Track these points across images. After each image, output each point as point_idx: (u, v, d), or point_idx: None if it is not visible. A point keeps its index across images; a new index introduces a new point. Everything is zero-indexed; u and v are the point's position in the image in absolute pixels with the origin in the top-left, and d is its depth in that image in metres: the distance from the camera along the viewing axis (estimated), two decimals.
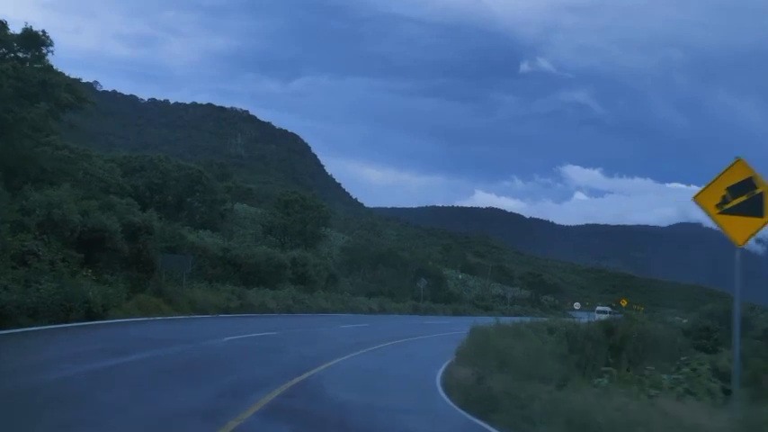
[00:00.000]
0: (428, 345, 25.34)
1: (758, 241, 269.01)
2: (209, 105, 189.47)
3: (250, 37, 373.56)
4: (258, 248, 39.30)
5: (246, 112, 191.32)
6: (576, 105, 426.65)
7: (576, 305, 64.97)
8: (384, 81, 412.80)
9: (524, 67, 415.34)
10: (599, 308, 69.70)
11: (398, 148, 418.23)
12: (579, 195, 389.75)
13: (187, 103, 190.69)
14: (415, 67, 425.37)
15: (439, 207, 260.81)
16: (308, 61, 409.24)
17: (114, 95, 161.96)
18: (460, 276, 78.35)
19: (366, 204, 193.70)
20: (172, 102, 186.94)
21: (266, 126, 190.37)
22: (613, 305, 71.72)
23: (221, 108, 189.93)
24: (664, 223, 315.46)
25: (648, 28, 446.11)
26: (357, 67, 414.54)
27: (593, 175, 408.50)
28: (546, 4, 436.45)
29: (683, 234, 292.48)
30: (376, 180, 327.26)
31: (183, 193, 53.22)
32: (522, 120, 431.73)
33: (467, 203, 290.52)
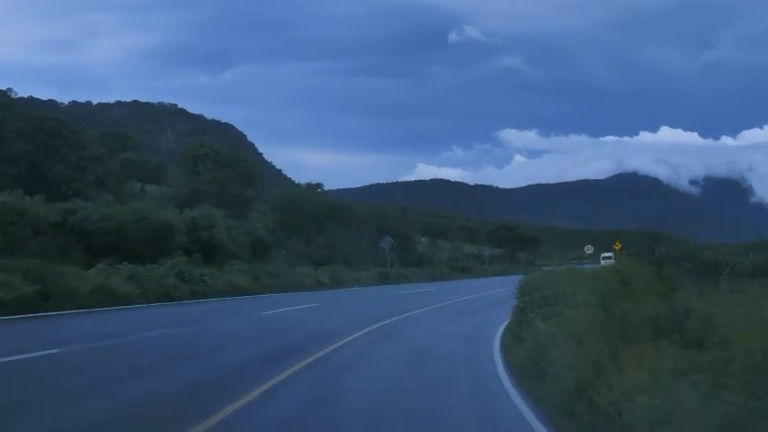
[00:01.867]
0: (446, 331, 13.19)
1: (692, 182, 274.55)
2: (135, 102, 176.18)
3: (176, 31, 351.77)
4: (127, 207, 24.07)
5: (175, 105, 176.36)
6: (509, 70, 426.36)
7: (589, 248, 56.90)
8: (319, 64, 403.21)
9: (453, 36, 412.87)
10: (604, 254, 66.70)
11: (339, 130, 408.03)
12: (519, 158, 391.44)
13: (111, 102, 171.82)
14: (348, 47, 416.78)
15: (383, 184, 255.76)
16: (240, 50, 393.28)
17: (31, 101, 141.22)
18: (423, 240, 65.10)
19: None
20: (95, 103, 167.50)
21: (197, 118, 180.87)
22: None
23: (148, 104, 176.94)
24: (602, 176, 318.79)
25: None
26: (290, 51, 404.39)
27: (530, 137, 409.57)
28: None
29: (620, 184, 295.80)
30: (319, 164, 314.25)
31: (32, 153, 36.68)
32: (456, 89, 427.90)
33: (411, 178, 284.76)
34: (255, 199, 44.56)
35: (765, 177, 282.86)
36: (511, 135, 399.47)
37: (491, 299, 25.33)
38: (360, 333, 11.89)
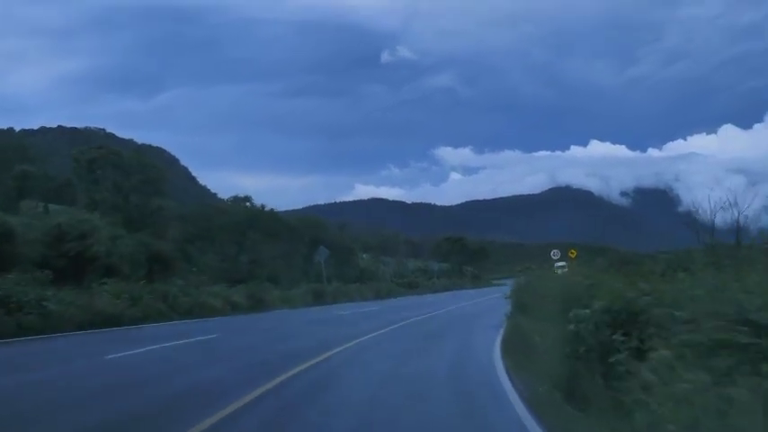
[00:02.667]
0: None
1: (623, 194, 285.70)
2: (60, 128, 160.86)
3: (103, 56, 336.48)
4: None
5: (103, 130, 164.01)
6: (442, 88, 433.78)
7: (555, 253, 54.68)
8: (251, 85, 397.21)
9: (385, 56, 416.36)
10: (558, 263, 67.37)
11: (274, 152, 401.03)
12: (455, 175, 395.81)
13: (35, 128, 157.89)
14: (281, 68, 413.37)
15: (321, 205, 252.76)
16: (169, 74, 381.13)
17: None
18: (365, 256, 59.16)
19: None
20: (17, 129, 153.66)
21: (127, 143, 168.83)
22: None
23: (74, 129, 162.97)
24: (536, 190, 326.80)
25: (503, 6, 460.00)
26: (221, 74, 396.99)
27: (465, 154, 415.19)
28: None
29: (554, 198, 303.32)
30: (255, 186, 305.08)
31: None
32: (391, 109, 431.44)
33: (349, 198, 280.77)
34: (165, 209, 37.31)
35: (691, 187, 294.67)
36: (446, 153, 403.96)
37: (455, 316, 20.03)
38: (251, 394, 5.94)
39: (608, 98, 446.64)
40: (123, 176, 38.17)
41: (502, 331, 11.52)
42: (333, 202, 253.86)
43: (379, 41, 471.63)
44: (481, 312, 20.82)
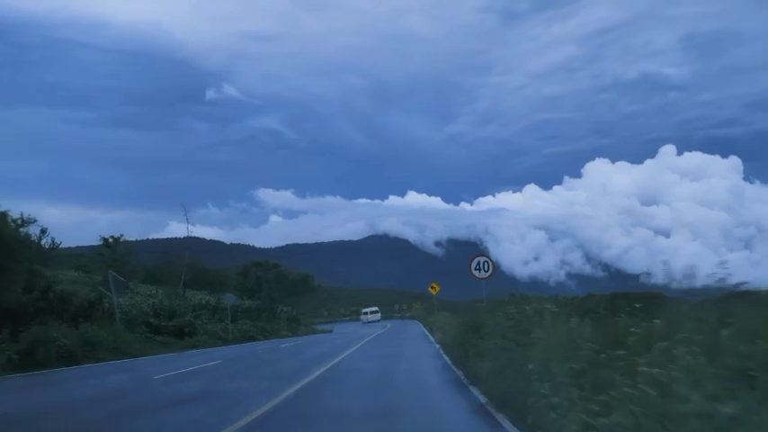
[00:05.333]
0: None
1: (437, 244, 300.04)
2: None
3: None
4: None
5: None
6: (266, 130, 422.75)
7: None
8: (62, 111, 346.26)
9: (211, 93, 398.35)
10: (367, 309, 73.15)
11: (83, 184, 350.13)
12: (275, 218, 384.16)
13: None
14: (97, 95, 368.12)
15: (131, 242, 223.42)
16: None
17: None
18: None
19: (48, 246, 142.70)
20: None
21: None
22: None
23: None
24: (357, 237, 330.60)
25: (328, 55, 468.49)
26: (29, 96, 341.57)
27: (286, 197, 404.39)
28: (230, 31, 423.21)
29: (374, 245, 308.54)
30: (59, 219, 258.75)
31: None
32: (214, 147, 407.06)
33: (162, 235, 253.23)
34: None
35: (498, 240, 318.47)
36: (267, 195, 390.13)
37: None
38: None
39: (426, 152, 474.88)
40: None
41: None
42: (145, 238, 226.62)
43: (204, 78, 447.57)
44: None
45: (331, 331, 50.58)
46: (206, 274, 48.39)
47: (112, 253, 34.68)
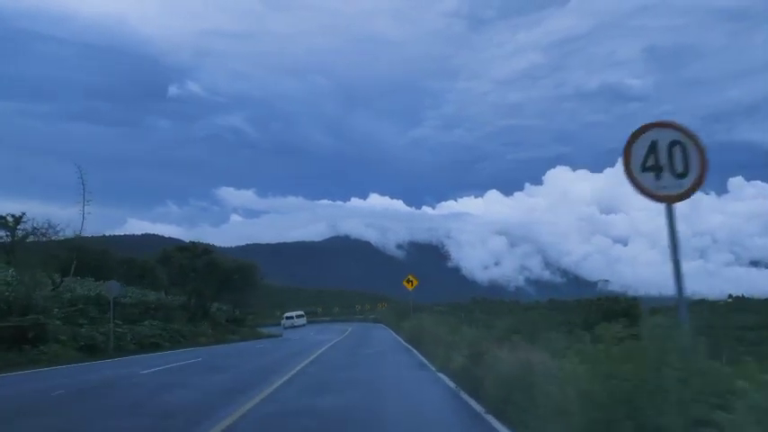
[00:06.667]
0: None
1: (399, 246, 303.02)
2: None
3: None
4: None
5: None
6: (231, 129, 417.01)
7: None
8: (20, 104, 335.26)
9: (173, 90, 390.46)
10: (290, 313, 68.60)
11: (38, 177, 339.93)
12: (236, 217, 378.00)
13: None
14: (57, 89, 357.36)
15: (86, 238, 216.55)
16: None
17: None
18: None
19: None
20: None
21: None
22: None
23: None
24: (318, 238, 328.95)
25: (296, 55, 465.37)
26: None
27: (247, 196, 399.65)
28: (197, 29, 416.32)
29: (335, 246, 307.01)
30: (15, 213, 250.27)
31: None
32: (176, 144, 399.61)
33: (119, 232, 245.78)
34: None
35: (459, 244, 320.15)
36: (228, 193, 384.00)
37: None
38: None
39: (390, 155, 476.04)
40: None
41: None
42: (101, 234, 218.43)
43: (167, 74, 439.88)
44: None
45: (280, 336, 46.34)
46: (106, 259, 37.80)
47: (10, 236, 28.15)
